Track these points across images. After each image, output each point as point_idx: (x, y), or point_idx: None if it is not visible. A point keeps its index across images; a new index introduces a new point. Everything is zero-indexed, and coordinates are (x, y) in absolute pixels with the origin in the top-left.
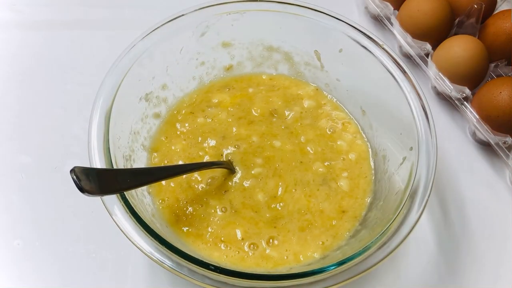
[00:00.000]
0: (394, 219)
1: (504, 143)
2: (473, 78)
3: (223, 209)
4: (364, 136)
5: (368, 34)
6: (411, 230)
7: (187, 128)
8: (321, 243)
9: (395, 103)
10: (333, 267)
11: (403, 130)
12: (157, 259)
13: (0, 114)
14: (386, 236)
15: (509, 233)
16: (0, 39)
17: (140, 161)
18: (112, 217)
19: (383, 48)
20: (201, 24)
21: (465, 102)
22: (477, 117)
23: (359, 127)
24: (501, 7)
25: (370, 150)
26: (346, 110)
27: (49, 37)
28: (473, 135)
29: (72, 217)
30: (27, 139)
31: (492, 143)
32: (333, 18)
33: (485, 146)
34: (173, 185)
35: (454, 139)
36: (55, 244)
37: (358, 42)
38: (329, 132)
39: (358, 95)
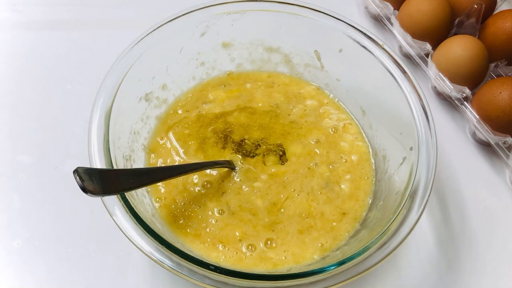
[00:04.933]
0: (394, 219)
1: (504, 143)
2: (473, 78)
3: (220, 211)
4: (365, 137)
5: (368, 34)
6: (411, 230)
7: (182, 127)
8: (320, 245)
9: (395, 103)
10: (333, 267)
11: (403, 130)
12: (157, 259)
13: (0, 114)
14: (386, 236)
15: (509, 233)
16: (0, 39)
17: (140, 162)
18: (112, 218)
19: (383, 48)
20: (201, 24)
21: (465, 102)
22: (477, 117)
23: (360, 127)
24: (501, 7)
25: (370, 150)
26: (347, 110)
27: (49, 37)
28: (473, 135)
29: (72, 217)
30: (27, 139)
31: (492, 143)
32: (333, 18)
33: (485, 146)
34: (171, 186)
35: (454, 139)
36: (55, 244)
37: (358, 42)
38: (331, 132)
39: (358, 95)
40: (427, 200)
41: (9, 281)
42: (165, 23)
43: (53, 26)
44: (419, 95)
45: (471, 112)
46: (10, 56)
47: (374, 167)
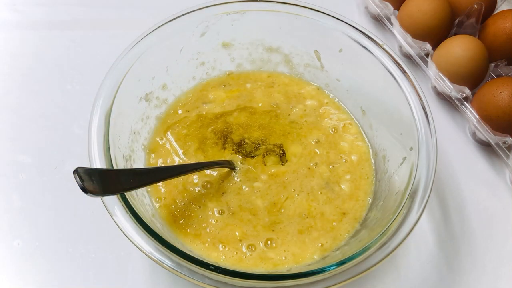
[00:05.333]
0: (394, 219)
1: (504, 143)
2: (473, 78)
3: (220, 211)
4: (365, 137)
5: (368, 34)
6: (411, 230)
7: (182, 127)
8: (320, 245)
9: (395, 103)
10: (333, 267)
11: (403, 130)
12: (157, 259)
13: (0, 114)
14: (386, 236)
15: (509, 233)
16: (0, 39)
17: (140, 162)
18: (112, 218)
19: (383, 48)
20: (201, 24)
21: (465, 102)
22: (477, 117)
23: (360, 127)
24: (501, 7)
25: (370, 150)
26: (347, 110)
27: (49, 37)
28: (473, 135)
29: (72, 217)
30: (27, 139)
31: (492, 143)
32: (333, 18)
33: (485, 146)
34: (171, 186)
35: (454, 139)
36: (55, 244)
37: (358, 42)
38: (331, 132)
39: (358, 95)
40: (427, 200)
41: (10, 281)
42: (165, 23)
43: (53, 26)
44: (419, 95)
45: (471, 112)
46: (10, 56)
47: (374, 167)
